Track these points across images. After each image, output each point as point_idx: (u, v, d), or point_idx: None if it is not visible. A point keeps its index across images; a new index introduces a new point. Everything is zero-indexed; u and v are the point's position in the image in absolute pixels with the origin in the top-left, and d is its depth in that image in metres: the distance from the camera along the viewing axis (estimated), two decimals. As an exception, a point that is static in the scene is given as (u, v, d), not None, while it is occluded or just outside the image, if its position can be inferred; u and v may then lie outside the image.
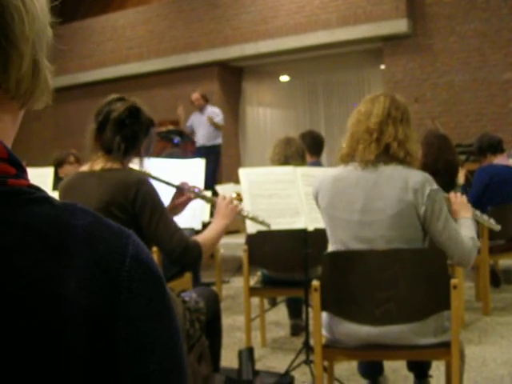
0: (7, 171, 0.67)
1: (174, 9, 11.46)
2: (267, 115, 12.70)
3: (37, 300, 0.62)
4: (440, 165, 4.06)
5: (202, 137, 9.41)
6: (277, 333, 4.55)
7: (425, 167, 4.18)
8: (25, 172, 0.70)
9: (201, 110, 9.44)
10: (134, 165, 2.51)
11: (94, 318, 0.64)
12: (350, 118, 2.62)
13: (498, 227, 3.20)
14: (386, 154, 2.49)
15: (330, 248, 2.62)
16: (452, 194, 2.92)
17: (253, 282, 4.02)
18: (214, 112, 9.46)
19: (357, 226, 2.49)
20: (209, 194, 4.12)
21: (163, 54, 11.42)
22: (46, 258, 0.64)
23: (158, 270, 0.70)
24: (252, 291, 3.91)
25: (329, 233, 2.63)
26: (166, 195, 2.55)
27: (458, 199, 2.88)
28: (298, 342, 4.10)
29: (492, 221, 3.21)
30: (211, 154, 8.62)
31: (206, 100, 9.46)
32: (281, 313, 4.85)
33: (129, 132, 2.40)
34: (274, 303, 5.12)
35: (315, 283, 2.49)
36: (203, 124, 9.37)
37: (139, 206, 2.33)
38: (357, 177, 2.51)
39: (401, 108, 2.55)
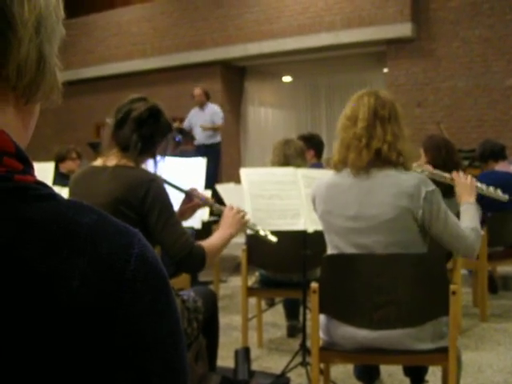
0: (14, 166, 0.66)
1: (178, 7, 11.46)
2: (268, 115, 12.70)
3: (39, 295, 0.61)
4: (451, 166, 4.07)
5: (200, 134, 9.35)
6: (273, 333, 4.54)
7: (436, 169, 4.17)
8: (32, 168, 0.69)
9: (201, 106, 9.37)
10: (148, 166, 2.51)
11: (97, 316, 0.63)
12: (338, 122, 2.59)
13: (505, 197, 3.13)
14: (378, 159, 2.45)
15: (329, 252, 2.61)
16: (455, 174, 2.89)
17: (251, 282, 4.02)
18: (214, 110, 9.38)
19: (351, 233, 2.48)
20: (209, 193, 4.12)
21: (166, 51, 11.43)
22: (50, 254, 0.63)
23: (162, 270, 0.70)
24: (250, 291, 3.91)
25: (326, 238, 2.62)
26: (174, 199, 2.55)
27: (462, 180, 2.84)
28: (295, 343, 4.10)
29: (499, 192, 3.16)
30: (211, 153, 8.44)
31: (207, 97, 9.37)
32: (278, 314, 4.84)
33: (147, 132, 2.41)
34: (271, 304, 5.12)
35: (314, 285, 2.49)
36: (202, 121, 9.29)
37: (148, 205, 2.32)
38: (350, 183, 2.49)
39: (387, 105, 2.49)
